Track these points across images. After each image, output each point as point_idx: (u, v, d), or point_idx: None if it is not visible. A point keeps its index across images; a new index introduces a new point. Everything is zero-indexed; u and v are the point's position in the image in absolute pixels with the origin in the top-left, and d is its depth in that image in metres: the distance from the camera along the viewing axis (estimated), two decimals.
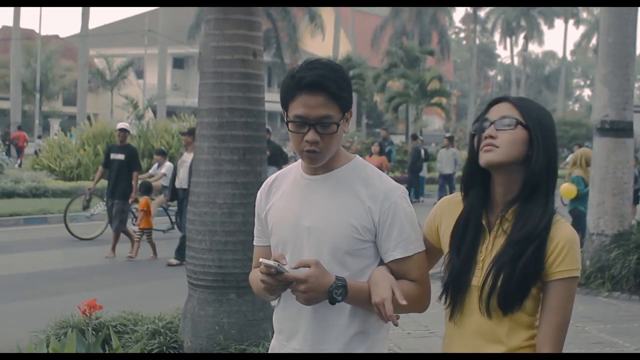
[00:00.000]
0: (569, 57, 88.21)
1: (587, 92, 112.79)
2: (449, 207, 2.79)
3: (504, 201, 2.63)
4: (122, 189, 13.08)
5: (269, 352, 2.90)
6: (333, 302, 2.62)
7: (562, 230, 2.57)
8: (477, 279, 2.62)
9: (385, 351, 2.85)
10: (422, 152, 25.58)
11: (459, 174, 28.93)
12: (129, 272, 11.84)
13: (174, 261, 12.21)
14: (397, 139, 38.71)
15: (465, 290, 2.64)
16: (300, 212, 2.77)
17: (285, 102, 2.68)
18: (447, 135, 27.14)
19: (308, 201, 2.77)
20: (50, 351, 4.95)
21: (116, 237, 12.96)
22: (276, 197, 2.87)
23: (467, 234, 2.68)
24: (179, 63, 60.96)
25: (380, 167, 13.91)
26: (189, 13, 50.66)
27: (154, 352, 5.51)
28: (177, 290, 10.08)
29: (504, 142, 2.56)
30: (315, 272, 2.59)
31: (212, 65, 5.54)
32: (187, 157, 12.39)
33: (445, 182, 23.93)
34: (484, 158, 2.58)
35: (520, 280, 2.54)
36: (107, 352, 4.95)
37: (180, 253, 11.86)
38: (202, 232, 5.56)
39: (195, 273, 5.62)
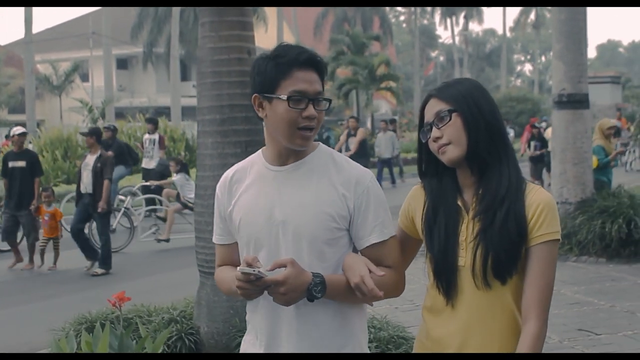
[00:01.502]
0: (508, 34, 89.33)
1: (528, 67, 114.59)
2: (422, 196, 2.80)
3: (472, 182, 2.69)
4: (29, 199, 12.14)
5: (242, 350, 2.87)
6: (312, 299, 2.59)
7: (539, 195, 2.62)
8: (463, 260, 2.64)
9: (365, 339, 2.84)
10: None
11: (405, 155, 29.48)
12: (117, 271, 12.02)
13: (99, 270, 11.57)
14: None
15: (455, 272, 2.65)
16: (272, 206, 2.70)
17: (275, 81, 2.63)
18: (384, 119, 27.25)
19: (279, 193, 2.71)
20: (83, 344, 5.23)
21: (32, 248, 12.24)
22: (240, 192, 2.80)
23: (437, 220, 2.69)
24: (122, 64, 60.50)
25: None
26: (131, 13, 50.42)
27: (173, 338, 5.82)
28: (171, 285, 10.42)
29: (450, 137, 2.61)
30: (293, 272, 2.54)
31: (210, 65, 5.85)
32: (90, 159, 11.62)
33: (384, 166, 23.90)
34: (444, 159, 2.64)
35: (507, 250, 2.56)
36: (136, 341, 5.25)
37: (106, 262, 11.57)
38: (211, 223, 5.87)
39: (207, 262, 5.94)
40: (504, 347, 2.63)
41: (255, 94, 2.68)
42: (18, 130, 12.52)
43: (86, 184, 11.54)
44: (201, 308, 6.06)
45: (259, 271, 2.49)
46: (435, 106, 2.65)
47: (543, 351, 5.97)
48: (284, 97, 2.60)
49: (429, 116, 2.67)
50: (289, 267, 2.53)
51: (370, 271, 2.57)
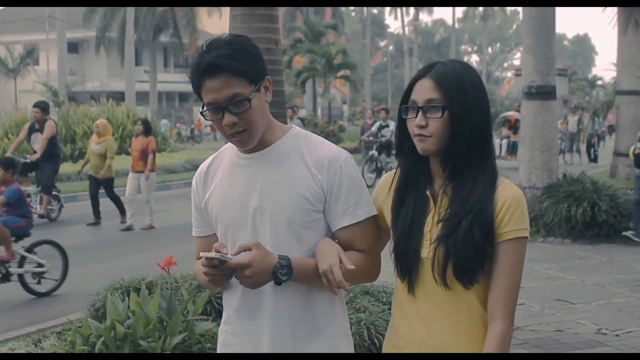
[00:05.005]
0: (456, 25, 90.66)
1: (474, 58, 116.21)
2: (388, 184, 2.74)
3: (444, 171, 2.60)
4: None
5: (221, 333, 2.84)
6: (279, 282, 2.56)
7: (508, 190, 2.53)
8: (426, 251, 2.56)
9: (346, 320, 2.82)
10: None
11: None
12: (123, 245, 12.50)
13: None
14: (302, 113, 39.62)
15: (417, 262, 2.58)
16: (247, 193, 2.67)
17: (197, 92, 2.61)
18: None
19: (252, 180, 2.67)
20: (132, 304, 5.79)
21: None
22: (215, 183, 2.77)
23: (405, 203, 2.63)
24: (73, 47, 60.13)
25: (145, 150, 13.97)
26: None
27: (205, 301, 6.40)
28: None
29: (435, 131, 2.52)
30: (258, 254, 2.52)
31: None
32: None
33: None
34: (420, 147, 2.56)
35: (470, 256, 2.48)
36: (178, 303, 5.82)
37: None
38: None
39: None
40: (472, 347, 2.53)
41: None
42: None
43: None
44: None
45: (221, 255, 2.48)
46: (429, 90, 2.53)
47: (528, 320, 6.66)
48: (203, 110, 2.61)
49: (418, 97, 2.55)
50: (254, 250, 2.52)
51: (340, 262, 2.52)
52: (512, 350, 6.39)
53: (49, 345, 6.12)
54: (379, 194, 2.76)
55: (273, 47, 6.44)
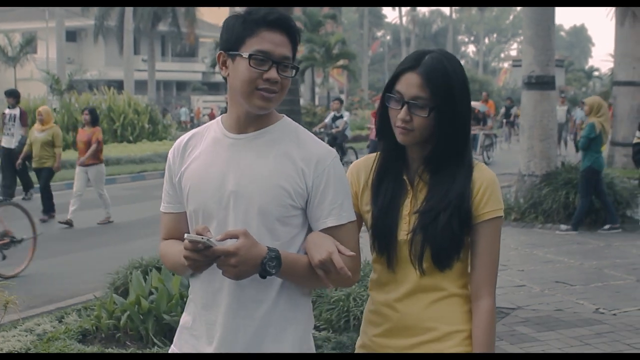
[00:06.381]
0: (454, 15, 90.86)
1: (471, 48, 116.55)
2: (365, 169, 2.74)
3: (421, 157, 2.63)
4: None
5: (182, 324, 2.69)
6: (264, 275, 2.40)
7: (483, 173, 2.60)
8: (404, 234, 2.60)
9: (311, 326, 2.66)
10: None
11: None
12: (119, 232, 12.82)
13: None
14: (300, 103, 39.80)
15: (395, 244, 2.62)
16: (224, 175, 2.52)
17: (241, 39, 2.48)
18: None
19: (234, 162, 2.53)
20: (155, 281, 6.08)
21: None
22: (192, 158, 2.61)
23: (383, 185, 2.66)
24: (71, 36, 60.20)
25: (89, 141, 13.14)
26: None
27: None
28: None
29: (418, 127, 2.54)
30: (246, 243, 2.35)
31: None
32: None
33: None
34: (400, 139, 2.58)
35: (449, 237, 2.55)
36: None
37: None
38: None
39: None
40: (455, 323, 2.61)
41: (220, 51, 2.55)
42: None
43: None
44: None
45: (208, 239, 2.32)
46: (416, 87, 2.53)
47: (528, 300, 6.84)
48: (246, 54, 2.45)
49: (405, 90, 2.55)
50: (242, 238, 2.36)
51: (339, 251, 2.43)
52: (514, 328, 6.73)
53: (73, 321, 6.39)
54: (352, 179, 2.74)
55: None
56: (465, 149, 2.61)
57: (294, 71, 2.52)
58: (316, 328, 6.08)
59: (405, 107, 2.53)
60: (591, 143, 11.20)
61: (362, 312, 6.04)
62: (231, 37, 2.50)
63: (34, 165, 14.05)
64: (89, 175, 13.44)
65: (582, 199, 11.51)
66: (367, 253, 2.77)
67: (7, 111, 15.65)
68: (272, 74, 2.44)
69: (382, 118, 2.65)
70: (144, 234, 12.41)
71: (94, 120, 13.71)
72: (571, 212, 11.83)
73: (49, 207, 13.95)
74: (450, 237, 2.54)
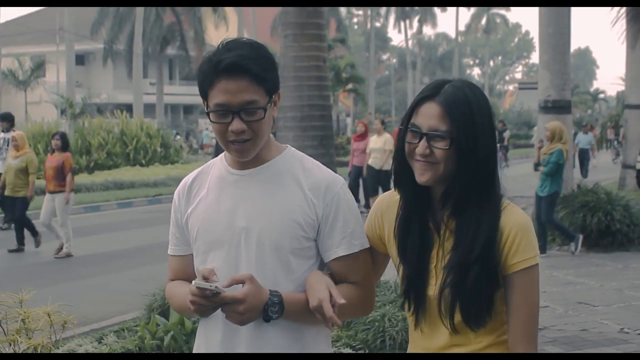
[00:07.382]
0: (459, 39, 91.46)
1: (476, 71, 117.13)
2: (389, 208, 2.57)
3: (444, 205, 2.44)
4: None
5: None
6: (268, 319, 2.39)
7: (512, 217, 2.40)
8: (432, 289, 2.45)
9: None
10: None
11: None
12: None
13: None
14: None
15: (424, 301, 2.47)
16: (234, 211, 2.48)
17: (205, 90, 2.42)
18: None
19: (241, 198, 2.48)
20: None
21: None
22: (199, 198, 2.57)
23: (410, 238, 2.48)
24: (80, 59, 60.63)
25: (61, 168, 12.33)
26: (91, 8, 50.70)
27: None
28: None
29: (441, 160, 2.36)
30: (252, 289, 2.33)
31: (292, 70, 6.96)
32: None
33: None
34: (420, 179, 2.39)
35: (478, 297, 2.37)
36: None
37: None
38: None
39: None
40: None
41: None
42: None
43: None
44: None
45: (216, 287, 2.30)
46: (436, 118, 2.35)
47: (553, 320, 6.79)
48: (209, 109, 2.42)
49: (423, 122, 2.37)
50: (248, 284, 2.34)
51: (331, 296, 2.37)
52: (542, 348, 6.90)
53: (114, 342, 6.55)
54: (377, 217, 2.61)
55: (321, 65, 6.97)
56: (491, 189, 2.40)
57: (264, 112, 2.41)
58: (352, 348, 6.27)
59: (424, 140, 2.35)
60: (558, 168, 11.42)
61: (397, 332, 6.34)
62: (200, 87, 2.45)
63: (6, 193, 13.16)
64: (56, 202, 12.53)
65: (549, 224, 11.65)
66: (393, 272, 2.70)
67: (1, 135, 15.44)
68: (235, 125, 2.38)
69: (400, 160, 2.45)
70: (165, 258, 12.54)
71: (65, 146, 12.81)
72: (588, 235, 12.00)
73: (20, 239, 13.21)
74: (479, 295, 2.37)
